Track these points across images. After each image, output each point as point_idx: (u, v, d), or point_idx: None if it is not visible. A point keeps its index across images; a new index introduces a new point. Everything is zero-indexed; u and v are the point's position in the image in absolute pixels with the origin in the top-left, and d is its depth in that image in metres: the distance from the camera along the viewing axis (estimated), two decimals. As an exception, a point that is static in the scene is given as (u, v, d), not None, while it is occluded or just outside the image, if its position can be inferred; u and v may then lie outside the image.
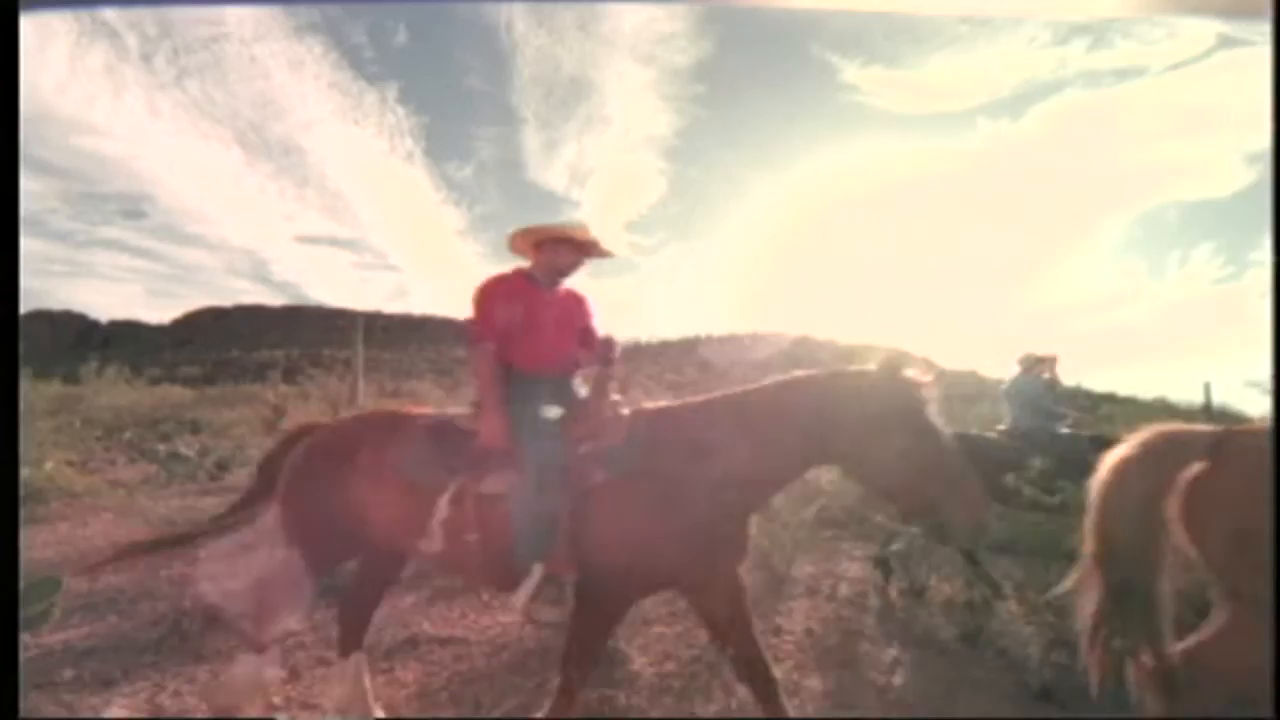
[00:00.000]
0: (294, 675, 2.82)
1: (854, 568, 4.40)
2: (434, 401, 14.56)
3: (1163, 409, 12.82)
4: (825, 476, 5.09)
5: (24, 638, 2.98)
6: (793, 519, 4.16)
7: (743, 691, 2.66)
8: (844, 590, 3.97)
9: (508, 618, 3.56)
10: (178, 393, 18.87)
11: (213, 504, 6.01)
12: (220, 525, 2.50)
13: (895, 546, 3.80)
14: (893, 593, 3.85)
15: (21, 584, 2.93)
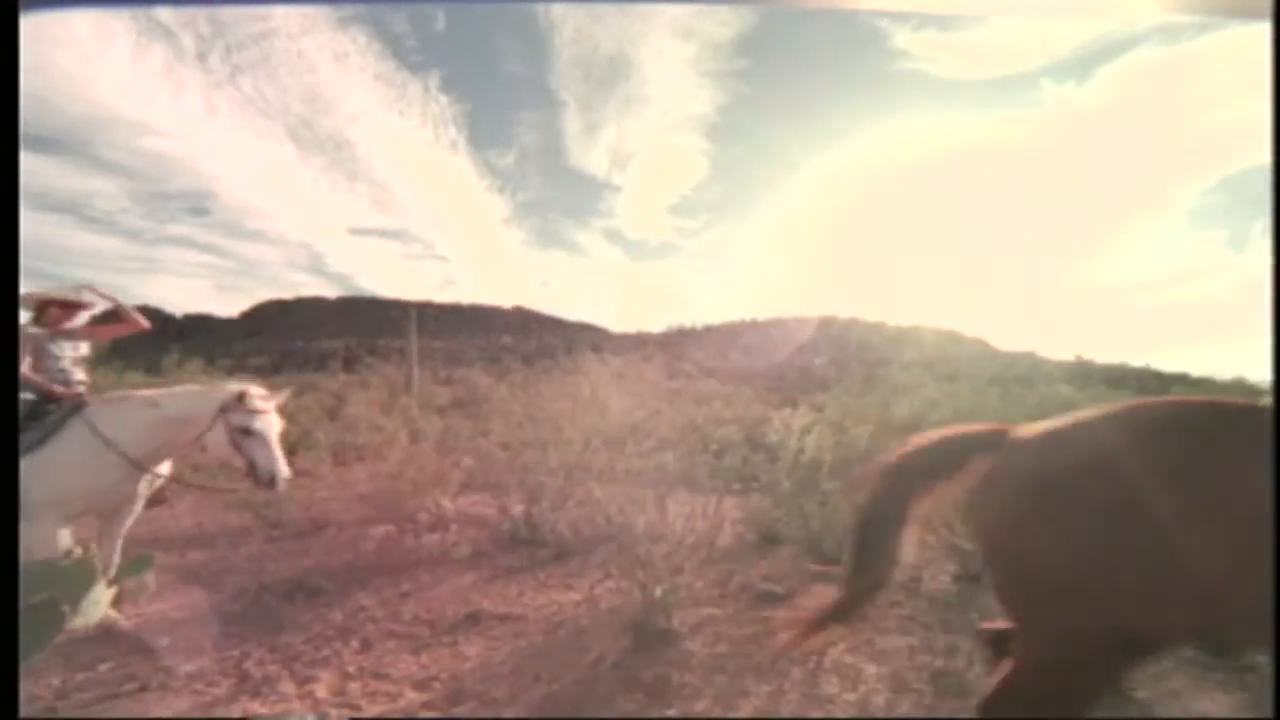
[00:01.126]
0: (365, 646, 2.96)
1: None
2: (484, 388, 14.92)
3: (1240, 389, 12.05)
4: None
5: (125, 608, 3.22)
6: (846, 503, 4.11)
7: (796, 672, 2.67)
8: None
9: (563, 596, 3.65)
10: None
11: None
12: None
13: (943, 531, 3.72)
14: (945, 578, 3.77)
15: (118, 561, 3.16)
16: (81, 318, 3.35)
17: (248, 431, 3.07)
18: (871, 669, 2.74)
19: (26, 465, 2.72)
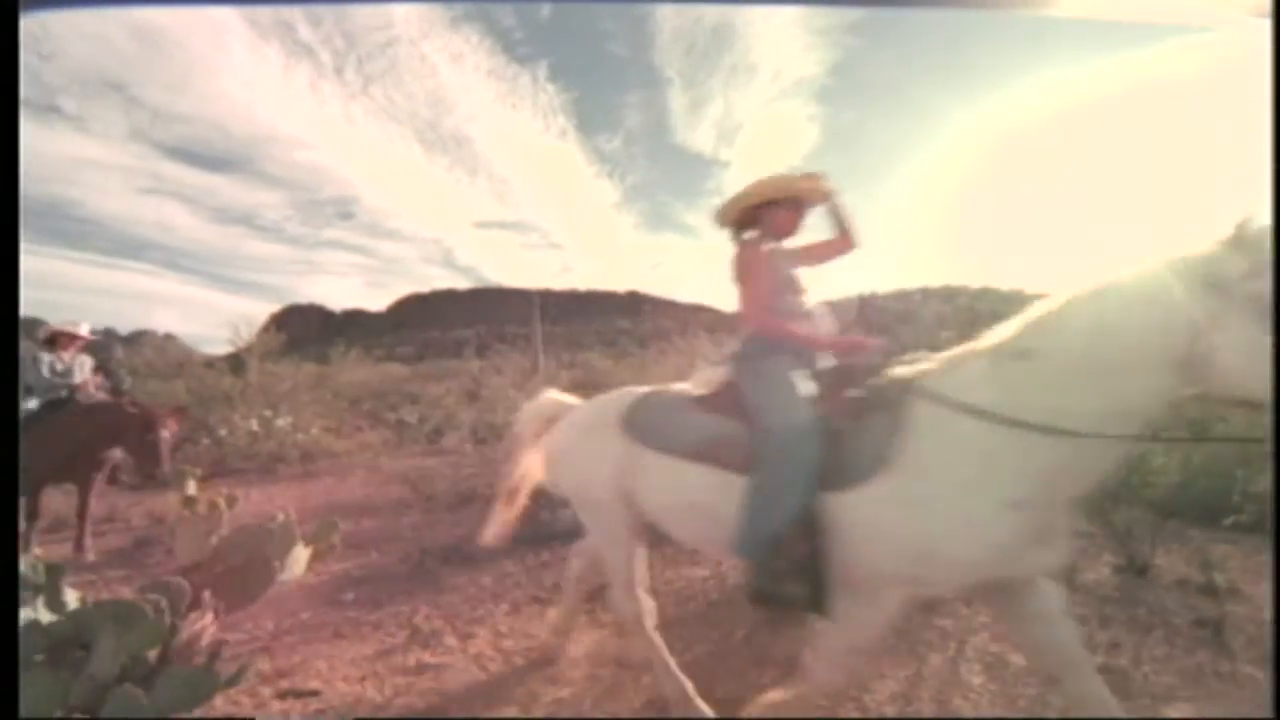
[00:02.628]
0: (514, 608, 3.20)
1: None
2: (603, 371, 15.37)
3: None
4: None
5: (316, 566, 3.70)
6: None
7: (935, 659, 2.57)
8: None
9: (690, 572, 3.72)
10: (397, 370, 21.87)
11: (434, 464, 6.93)
12: None
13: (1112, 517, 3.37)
14: (1105, 569, 3.43)
15: (301, 528, 3.62)
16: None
17: None
18: (1019, 660, 2.56)
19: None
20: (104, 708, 1.75)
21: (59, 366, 4.51)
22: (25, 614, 1.97)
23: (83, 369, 4.62)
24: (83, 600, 2.12)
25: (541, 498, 4.89)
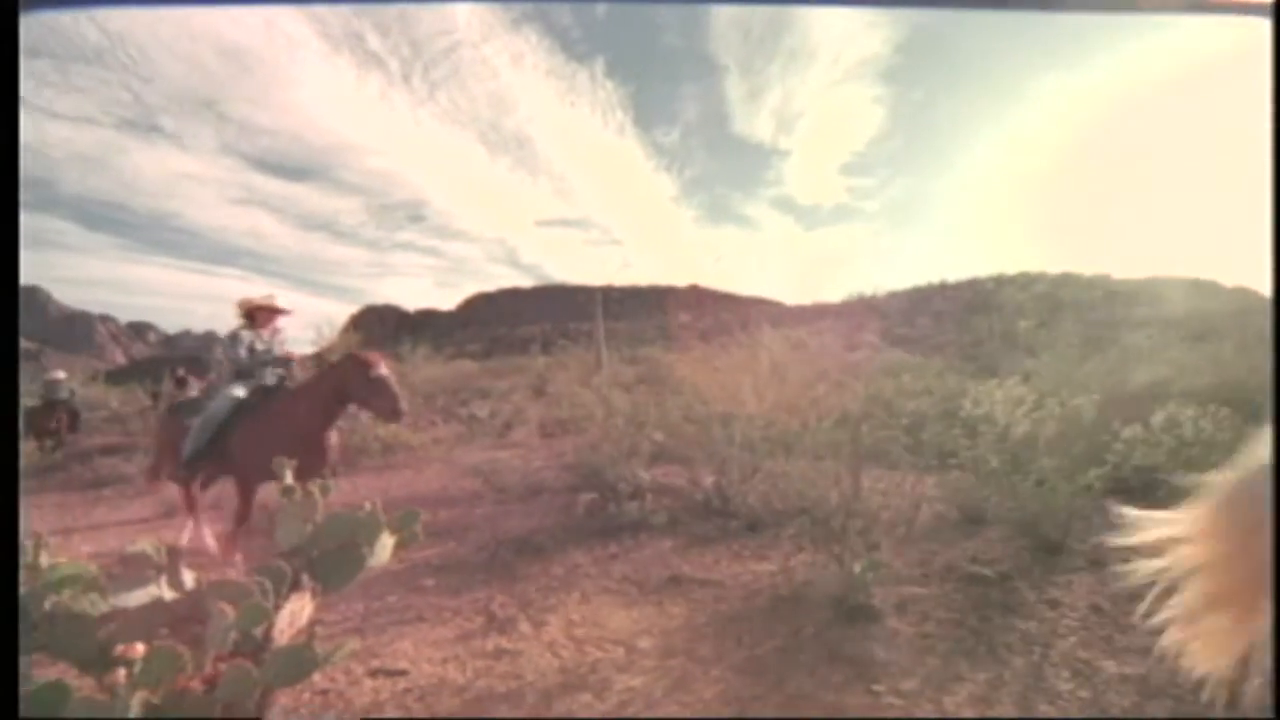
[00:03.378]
0: (584, 598, 3.27)
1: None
2: (665, 365, 15.38)
3: None
4: (1124, 433, 4.34)
5: (399, 553, 3.89)
6: (1067, 484, 3.63)
7: (1019, 662, 2.46)
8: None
9: (758, 566, 3.70)
10: (467, 366, 22.63)
11: (505, 456, 7.14)
12: None
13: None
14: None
15: (384, 518, 3.80)
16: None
17: None
18: (1111, 667, 2.42)
19: None
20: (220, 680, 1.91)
21: (258, 346, 4.16)
22: (150, 592, 2.16)
23: (281, 347, 4.30)
24: (198, 580, 2.32)
25: (608, 491, 5.00)
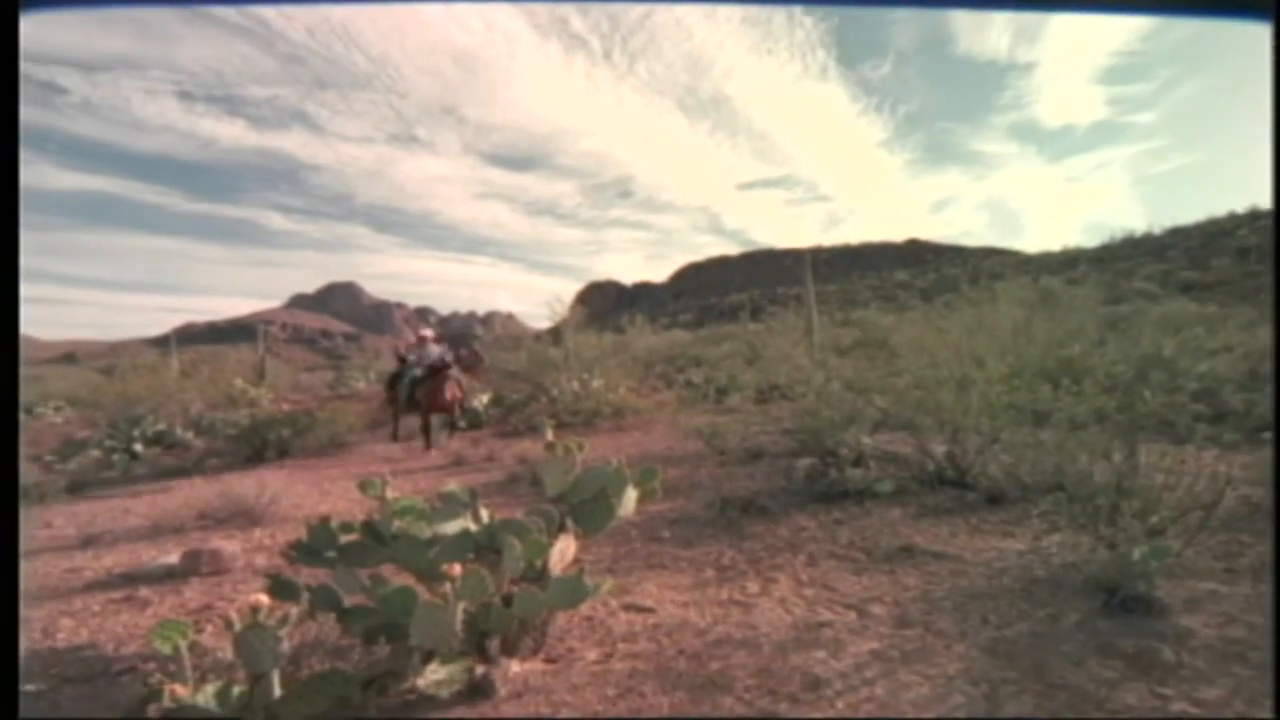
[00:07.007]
0: (811, 561, 3.28)
1: None
2: (884, 328, 14.30)
3: None
4: None
5: (639, 506, 4.27)
6: None
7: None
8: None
9: (1002, 543, 3.35)
10: (680, 335, 23.57)
11: (723, 421, 7.34)
12: None
13: None
14: None
15: (628, 473, 4.16)
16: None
17: None
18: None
19: None
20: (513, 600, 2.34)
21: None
22: (459, 524, 2.70)
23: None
24: (492, 517, 2.83)
25: (829, 456, 4.89)
